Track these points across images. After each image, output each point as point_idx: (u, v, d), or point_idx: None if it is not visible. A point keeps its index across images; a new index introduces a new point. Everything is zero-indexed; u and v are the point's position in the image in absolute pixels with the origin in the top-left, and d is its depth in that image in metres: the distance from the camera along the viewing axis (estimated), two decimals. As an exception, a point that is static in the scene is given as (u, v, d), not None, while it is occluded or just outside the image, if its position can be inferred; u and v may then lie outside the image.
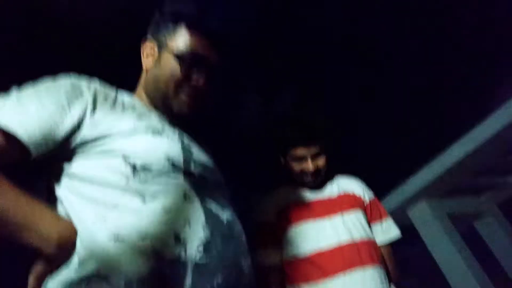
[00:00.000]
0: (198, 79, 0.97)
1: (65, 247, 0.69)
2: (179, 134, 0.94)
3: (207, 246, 0.76)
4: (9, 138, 0.72)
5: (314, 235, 1.48)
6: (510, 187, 4.63)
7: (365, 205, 1.62)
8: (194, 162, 0.88)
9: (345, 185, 1.66)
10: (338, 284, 1.38)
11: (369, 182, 1.74)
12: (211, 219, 0.81)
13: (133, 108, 0.92)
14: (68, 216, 0.75)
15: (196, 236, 0.75)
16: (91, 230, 0.71)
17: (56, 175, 0.81)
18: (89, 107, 0.82)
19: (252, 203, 1.63)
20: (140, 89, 1.03)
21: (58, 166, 0.81)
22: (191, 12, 1.00)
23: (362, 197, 1.63)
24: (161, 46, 0.99)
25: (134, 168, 0.78)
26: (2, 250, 0.74)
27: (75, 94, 0.82)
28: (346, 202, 1.57)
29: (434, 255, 4.08)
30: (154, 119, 0.93)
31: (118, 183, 0.77)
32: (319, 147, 1.58)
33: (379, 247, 1.56)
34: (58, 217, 0.74)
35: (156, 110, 0.99)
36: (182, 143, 0.90)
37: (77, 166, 0.80)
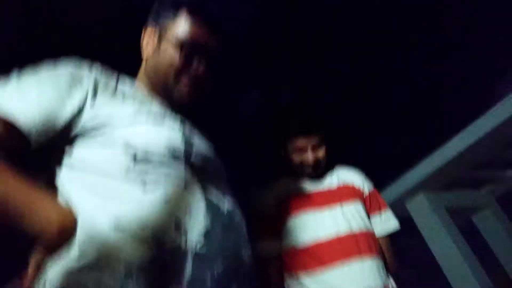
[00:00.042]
0: (198, 67, 0.97)
1: (65, 232, 0.69)
2: (180, 123, 0.93)
3: (207, 236, 0.76)
4: (9, 125, 0.72)
5: (313, 226, 1.49)
6: (508, 181, 4.64)
7: (364, 196, 1.62)
8: (195, 152, 0.88)
9: (344, 176, 1.66)
10: (336, 274, 1.39)
11: (368, 174, 1.74)
12: (211, 209, 0.81)
13: (134, 96, 0.91)
14: (68, 205, 0.75)
15: (196, 226, 0.76)
16: (92, 219, 0.71)
17: (56, 164, 0.81)
18: (89, 95, 0.82)
19: (252, 194, 1.64)
20: (140, 77, 1.03)
21: (58, 155, 0.81)
22: (191, 0, 0.99)
23: (361, 188, 1.63)
24: (161, 34, 0.98)
25: (134, 157, 0.78)
26: (1, 236, 0.74)
27: (75, 82, 0.82)
28: (346, 193, 1.58)
29: (431, 247, 4.10)
30: (155, 107, 0.93)
31: (118, 173, 0.77)
32: (319, 138, 1.58)
33: (378, 238, 1.57)
34: (58, 204, 0.73)
35: (157, 98, 0.98)
36: (183, 132, 0.90)
37: (77, 156, 0.80)
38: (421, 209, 4.28)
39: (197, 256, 0.73)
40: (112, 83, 0.90)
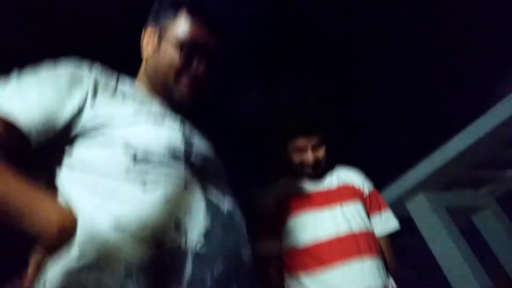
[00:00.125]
0: (198, 67, 0.97)
1: (65, 232, 0.69)
2: (180, 122, 0.93)
3: (207, 236, 0.76)
4: (9, 125, 0.72)
5: (313, 226, 1.49)
6: (508, 181, 4.64)
7: (364, 196, 1.62)
8: (195, 151, 0.88)
9: (345, 176, 1.66)
10: (336, 274, 1.39)
11: (368, 174, 1.74)
12: (211, 208, 0.81)
13: (134, 96, 0.91)
14: (68, 205, 0.75)
15: (196, 226, 0.76)
16: (92, 219, 0.71)
17: (56, 164, 0.81)
18: (90, 95, 0.82)
19: (252, 194, 1.64)
20: (140, 77, 1.03)
21: (58, 155, 0.81)
22: (191, 0, 0.99)
23: (361, 188, 1.63)
24: (161, 34, 0.99)
25: (134, 157, 0.78)
26: (1, 236, 0.74)
27: (75, 82, 0.82)
28: (346, 193, 1.58)
29: (431, 247, 4.10)
30: (155, 107, 0.93)
31: (118, 173, 0.77)
32: (319, 138, 1.58)
33: (378, 238, 1.57)
34: (58, 204, 0.73)
35: (156, 97, 0.98)
36: (183, 132, 0.90)
37: (77, 156, 0.80)
38: (421, 209, 4.28)
39: (197, 256, 0.73)
40: (112, 83, 0.90)
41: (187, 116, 1.01)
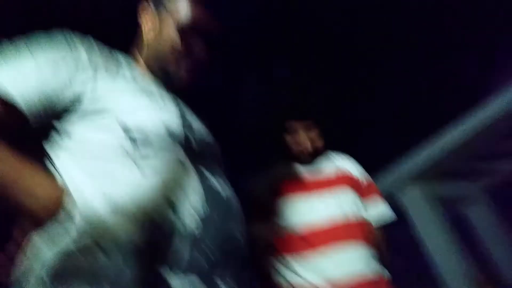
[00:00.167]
0: (199, 51, 0.96)
1: (53, 209, 0.70)
2: (180, 108, 0.93)
3: (205, 221, 0.76)
4: (7, 105, 0.73)
5: (307, 211, 1.51)
6: (499, 173, 4.69)
7: (360, 185, 1.63)
8: (194, 137, 0.88)
9: (341, 164, 1.67)
10: (326, 259, 1.40)
11: (361, 162, 1.75)
12: (210, 194, 0.81)
13: (135, 80, 0.91)
14: (66, 187, 0.75)
15: (194, 211, 0.76)
16: (90, 202, 0.71)
17: (55, 147, 0.80)
18: (90, 78, 0.82)
19: (248, 180, 1.64)
20: (140, 59, 1.02)
21: (57, 138, 0.81)
22: None
23: (357, 177, 1.64)
24: (162, 18, 0.98)
25: (134, 142, 0.78)
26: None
27: (76, 64, 0.81)
28: (342, 181, 1.59)
29: (422, 237, 4.15)
30: (155, 92, 0.92)
31: (118, 156, 0.76)
32: (317, 125, 1.58)
33: (371, 228, 1.58)
34: (48, 180, 0.74)
35: (156, 81, 0.97)
36: (183, 118, 0.90)
37: (76, 138, 0.79)
38: (414, 198, 4.32)
39: (194, 240, 0.73)
40: (113, 66, 0.89)
41: (186, 100, 1.00)
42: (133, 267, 0.66)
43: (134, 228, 0.69)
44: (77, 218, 0.70)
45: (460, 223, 4.49)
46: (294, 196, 1.56)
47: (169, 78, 0.96)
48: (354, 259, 1.41)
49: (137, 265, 0.67)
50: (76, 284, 0.64)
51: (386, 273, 1.52)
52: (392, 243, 1.66)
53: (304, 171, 1.63)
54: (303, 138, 1.59)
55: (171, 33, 0.95)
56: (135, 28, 1.04)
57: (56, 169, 0.78)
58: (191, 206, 0.76)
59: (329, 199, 1.53)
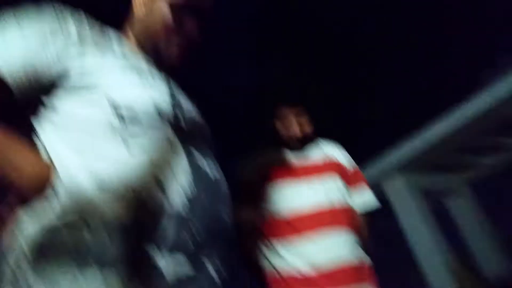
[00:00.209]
0: (191, 29, 0.95)
1: (39, 185, 0.69)
2: (170, 86, 0.92)
3: (192, 201, 0.76)
4: None
5: (293, 197, 1.52)
6: (483, 167, 4.78)
7: (346, 172, 1.64)
8: (184, 116, 0.87)
9: (329, 151, 1.68)
10: (311, 244, 1.42)
11: (348, 151, 1.76)
12: (199, 175, 0.80)
13: (125, 57, 0.89)
14: (50, 161, 0.74)
15: (182, 191, 0.75)
16: (76, 178, 0.70)
17: (42, 122, 0.79)
18: (79, 54, 0.80)
19: (237, 163, 1.64)
20: (131, 36, 1.00)
21: (44, 112, 0.79)
22: None
23: (344, 164, 1.65)
24: None
25: (123, 119, 0.76)
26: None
27: (65, 39, 0.80)
28: (329, 168, 1.60)
29: (404, 227, 4.22)
30: (145, 69, 0.90)
31: (105, 132, 0.75)
32: (306, 112, 1.59)
33: (356, 214, 1.59)
34: (35, 156, 0.73)
35: (146, 57, 0.96)
36: (173, 96, 0.88)
37: (64, 114, 0.78)
38: (397, 189, 4.38)
39: (180, 220, 0.73)
40: (103, 42, 0.87)
41: (176, 79, 0.99)
42: (118, 244, 0.66)
43: (121, 206, 0.69)
44: (62, 194, 0.69)
45: (442, 214, 4.57)
46: (281, 181, 1.57)
47: (159, 55, 0.94)
48: (338, 245, 1.43)
49: (123, 243, 0.66)
50: (60, 259, 0.64)
51: (368, 260, 1.54)
52: (376, 232, 1.69)
53: (293, 157, 1.64)
54: (293, 123, 1.60)
55: (162, 9, 0.93)
56: (127, 4, 1.02)
57: (42, 145, 0.77)
58: (179, 186, 0.75)
59: (316, 185, 1.54)
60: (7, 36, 0.75)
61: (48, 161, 0.73)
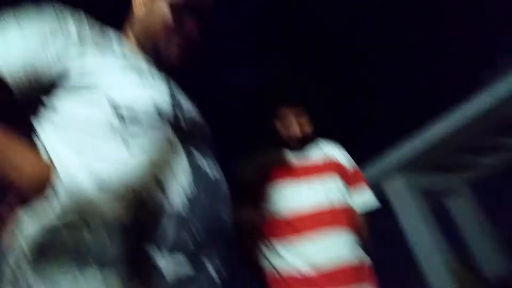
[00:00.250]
0: (191, 29, 0.95)
1: (39, 185, 0.69)
2: (170, 86, 0.92)
3: (193, 201, 0.76)
4: None
5: (294, 196, 1.52)
6: (483, 167, 4.78)
7: (347, 173, 1.64)
8: (184, 116, 0.87)
9: (329, 151, 1.68)
10: (311, 244, 1.42)
11: (348, 151, 1.76)
12: (199, 175, 0.80)
13: (125, 57, 0.89)
14: (50, 161, 0.74)
15: (182, 190, 0.75)
16: (76, 178, 0.70)
17: (42, 122, 0.79)
18: (79, 54, 0.80)
19: (237, 164, 1.65)
20: (131, 36, 1.00)
21: (44, 112, 0.79)
22: None
23: (345, 164, 1.65)
24: None
25: (123, 119, 0.76)
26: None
27: (65, 39, 0.80)
28: (329, 168, 1.60)
29: (405, 227, 4.22)
30: (145, 69, 0.90)
31: (105, 132, 0.75)
32: (306, 112, 1.59)
33: (356, 214, 1.59)
34: (35, 156, 0.73)
35: (146, 57, 0.96)
36: (173, 96, 0.88)
37: (63, 113, 0.78)
38: (397, 189, 4.38)
39: (180, 220, 0.73)
40: (103, 42, 0.87)
41: (176, 79, 0.99)
42: (118, 244, 0.66)
43: (121, 206, 0.68)
44: (62, 194, 0.69)
45: (442, 214, 4.57)
46: (281, 181, 1.57)
47: (159, 54, 0.94)
48: (338, 245, 1.43)
49: (123, 242, 0.66)
50: (60, 259, 0.64)
51: (368, 260, 1.54)
52: (376, 232, 1.69)
53: (293, 157, 1.64)
54: (293, 123, 1.60)
55: (162, 9, 0.93)
56: (127, 4, 1.02)
57: (43, 145, 0.77)
58: (179, 186, 0.75)
59: (316, 185, 1.54)
60: (7, 36, 0.75)
61: (48, 161, 0.73)
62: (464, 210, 4.75)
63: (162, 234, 0.70)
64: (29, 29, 0.77)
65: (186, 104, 0.93)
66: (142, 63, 0.92)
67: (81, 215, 0.67)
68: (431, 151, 4.08)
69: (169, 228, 0.71)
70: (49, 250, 0.65)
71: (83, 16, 0.89)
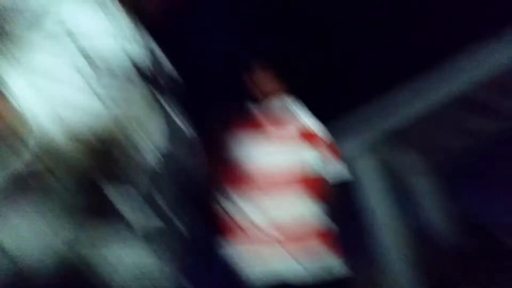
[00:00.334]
0: None
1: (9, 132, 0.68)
2: (148, 42, 0.90)
3: (165, 156, 0.76)
4: None
5: (261, 153, 1.55)
6: (452, 150, 4.91)
7: (321, 142, 1.66)
8: (160, 72, 0.86)
9: (304, 119, 1.69)
10: (274, 201, 1.47)
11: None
12: (174, 131, 0.80)
13: (104, 5, 0.86)
14: (19, 109, 0.72)
15: (155, 145, 0.75)
16: (44, 126, 0.69)
17: (11, 68, 0.76)
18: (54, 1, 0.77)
19: (206, 117, 1.65)
20: None
21: (14, 59, 0.76)
22: None
23: (319, 134, 1.67)
24: None
25: (96, 70, 0.75)
26: None
27: None
28: (304, 135, 1.62)
29: (368, 203, 4.34)
30: (125, 23, 0.88)
31: (78, 84, 0.73)
32: (277, 68, 1.60)
33: (325, 183, 1.63)
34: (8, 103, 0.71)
35: (127, 10, 0.93)
36: (151, 52, 0.87)
37: (38, 60, 0.75)
38: (365, 166, 4.47)
39: (152, 174, 0.73)
40: None
41: (155, 36, 0.96)
42: (84, 194, 0.66)
43: (91, 156, 0.68)
44: (30, 142, 0.68)
45: (406, 193, 4.72)
46: (251, 136, 1.59)
47: (142, 6, 0.92)
48: (302, 207, 1.47)
49: (88, 193, 0.67)
50: (24, 204, 0.64)
51: (332, 228, 1.58)
52: (342, 204, 1.73)
53: (261, 112, 1.64)
54: (262, 79, 1.60)
55: None
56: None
57: (10, 91, 0.74)
58: (152, 141, 0.75)
59: (287, 147, 1.56)
60: None
61: (16, 108, 0.71)
62: (427, 190, 4.90)
63: (132, 187, 0.70)
64: None
65: (163, 60, 0.91)
66: (122, 16, 0.89)
67: (50, 164, 0.66)
68: (402, 131, 4.17)
69: (140, 182, 0.71)
70: (13, 196, 0.65)
71: None
